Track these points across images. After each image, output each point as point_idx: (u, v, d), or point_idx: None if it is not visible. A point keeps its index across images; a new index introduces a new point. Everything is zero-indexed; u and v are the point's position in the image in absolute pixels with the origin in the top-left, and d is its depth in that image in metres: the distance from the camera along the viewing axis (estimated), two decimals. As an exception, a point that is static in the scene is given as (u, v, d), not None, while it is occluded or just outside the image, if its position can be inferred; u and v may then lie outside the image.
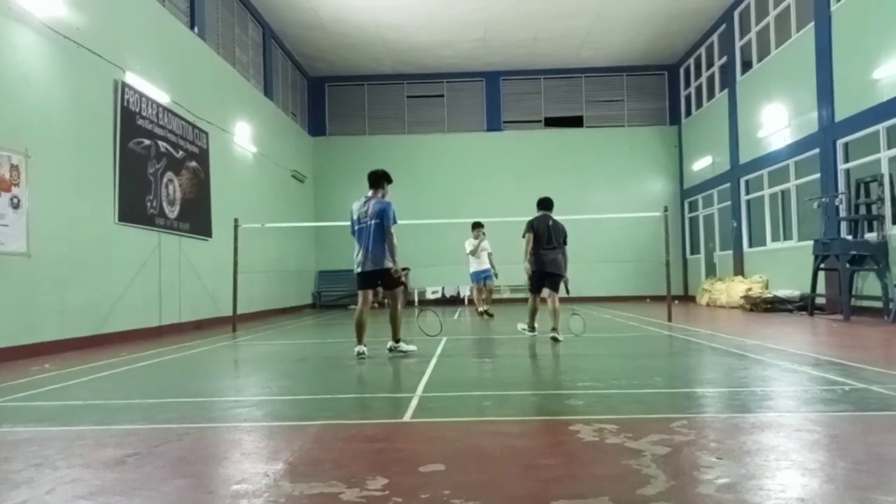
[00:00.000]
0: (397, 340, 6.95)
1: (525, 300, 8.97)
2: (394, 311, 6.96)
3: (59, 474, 2.74)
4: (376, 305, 19.39)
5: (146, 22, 10.73)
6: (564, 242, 8.20)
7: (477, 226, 12.57)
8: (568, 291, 8.26)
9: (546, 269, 8.03)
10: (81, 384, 5.44)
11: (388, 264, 6.71)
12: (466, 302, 12.71)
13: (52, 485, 2.60)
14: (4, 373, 6.13)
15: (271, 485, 2.55)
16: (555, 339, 7.67)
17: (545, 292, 8.21)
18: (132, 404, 4.49)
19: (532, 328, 8.36)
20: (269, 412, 4.16)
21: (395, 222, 6.78)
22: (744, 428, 3.35)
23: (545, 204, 8.46)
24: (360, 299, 6.95)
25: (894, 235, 10.42)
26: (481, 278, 12.60)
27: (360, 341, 6.73)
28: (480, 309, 12.63)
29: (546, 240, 8.05)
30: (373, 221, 6.67)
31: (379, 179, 6.93)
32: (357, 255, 6.80)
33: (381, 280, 6.81)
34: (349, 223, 6.99)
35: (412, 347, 6.98)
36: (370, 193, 6.89)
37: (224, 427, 3.71)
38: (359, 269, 6.79)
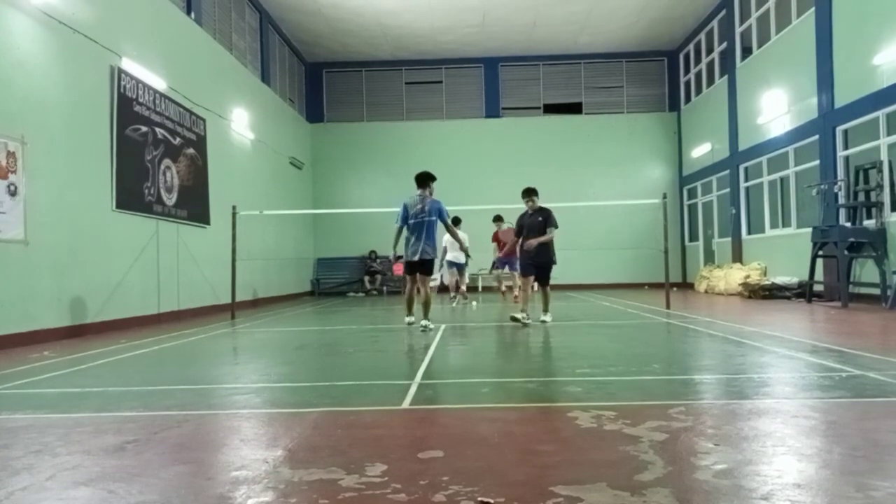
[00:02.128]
0: (429, 319, 8.06)
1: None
2: (428, 296, 8.21)
3: (59, 461, 2.75)
4: (375, 293, 19.50)
5: (142, 7, 10.63)
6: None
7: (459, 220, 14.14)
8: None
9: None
10: (80, 371, 5.45)
11: (435, 255, 8.09)
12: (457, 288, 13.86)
13: (52, 471, 2.61)
14: (3, 360, 6.14)
15: (271, 471, 2.56)
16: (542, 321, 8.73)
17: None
18: (131, 391, 4.50)
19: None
20: (269, 399, 4.17)
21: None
22: (741, 414, 3.36)
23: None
24: (409, 282, 8.29)
25: (893, 222, 10.42)
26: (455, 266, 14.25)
27: (410, 313, 8.25)
28: (453, 294, 13.99)
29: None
30: (431, 218, 7.86)
31: (426, 180, 8.05)
32: (412, 244, 7.91)
33: (425, 267, 7.99)
34: (400, 216, 8.08)
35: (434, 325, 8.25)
36: (420, 192, 8.02)
37: (223, 414, 3.72)
38: (415, 258, 7.89)
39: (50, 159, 8.03)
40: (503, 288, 15.28)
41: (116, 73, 9.48)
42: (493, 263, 14.43)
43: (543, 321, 8.66)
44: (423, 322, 7.96)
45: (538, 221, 8.72)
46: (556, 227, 8.76)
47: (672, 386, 4.30)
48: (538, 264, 8.70)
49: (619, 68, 21.05)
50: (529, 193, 8.87)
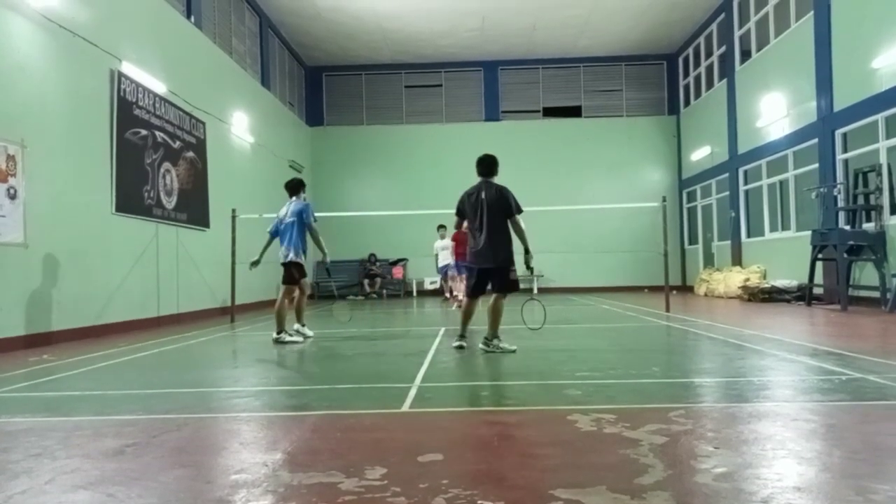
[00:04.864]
0: (281, 332, 7.64)
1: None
2: (283, 305, 7.75)
3: (59, 464, 2.74)
4: (374, 296, 19.50)
5: (142, 11, 10.65)
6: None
7: (443, 227, 14.31)
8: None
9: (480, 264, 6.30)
10: (80, 375, 5.44)
11: (297, 258, 7.74)
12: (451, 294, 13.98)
13: (52, 475, 2.60)
14: (3, 363, 6.13)
15: (270, 475, 2.56)
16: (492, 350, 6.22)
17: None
18: (131, 395, 4.49)
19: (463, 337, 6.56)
20: (268, 402, 4.17)
21: (315, 220, 7.96)
22: (741, 417, 3.36)
23: (483, 167, 6.45)
24: (280, 291, 7.90)
25: (892, 225, 10.43)
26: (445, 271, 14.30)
27: (281, 328, 7.71)
28: (447, 296, 14.11)
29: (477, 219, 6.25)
30: (290, 220, 7.75)
31: (298, 187, 8.08)
32: (280, 250, 7.86)
33: (288, 271, 7.75)
34: (273, 225, 8.00)
35: (297, 339, 7.69)
36: (290, 200, 7.98)
37: (223, 417, 3.72)
38: (280, 261, 7.81)
39: (50, 163, 8.04)
40: (459, 296, 13.17)
41: (116, 77, 9.49)
42: (443, 269, 14.23)
43: (502, 348, 6.14)
44: (295, 326, 7.91)
45: (495, 200, 6.18)
46: (521, 210, 6.29)
47: (672, 389, 4.29)
48: (493, 269, 6.22)
49: (618, 72, 21.08)
50: (490, 164, 6.39)
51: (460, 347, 6.37)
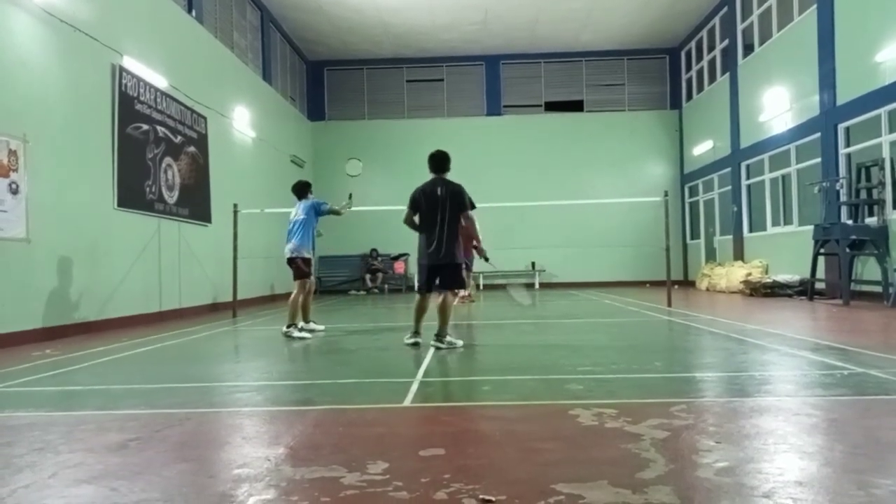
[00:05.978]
0: (294, 324, 7.69)
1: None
2: (294, 298, 7.86)
3: (62, 459, 2.75)
4: (376, 291, 19.52)
5: (143, 5, 10.63)
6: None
7: None
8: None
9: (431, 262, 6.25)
10: (83, 369, 5.46)
11: (298, 253, 7.89)
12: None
13: (55, 469, 2.61)
14: (5, 358, 6.15)
15: (272, 469, 2.56)
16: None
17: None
18: (133, 389, 4.51)
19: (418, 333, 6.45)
20: (270, 397, 4.18)
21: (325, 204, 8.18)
22: (742, 412, 3.36)
23: (436, 162, 6.48)
24: (298, 285, 7.99)
25: (894, 220, 10.41)
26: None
27: (304, 320, 8.04)
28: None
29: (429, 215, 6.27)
30: (299, 218, 7.95)
31: (304, 189, 8.32)
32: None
33: (290, 267, 8.00)
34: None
35: (305, 335, 7.57)
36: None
37: (225, 412, 3.73)
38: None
39: (52, 157, 8.04)
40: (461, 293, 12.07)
41: (118, 72, 9.48)
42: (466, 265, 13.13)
43: (453, 343, 6.14)
44: (301, 324, 7.79)
45: (451, 197, 6.27)
46: (474, 206, 6.54)
47: (673, 384, 4.30)
48: (445, 266, 6.24)
49: (620, 66, 21.01)
50: (443, 160, 6.46)
51: (415, 344, 6.28)
